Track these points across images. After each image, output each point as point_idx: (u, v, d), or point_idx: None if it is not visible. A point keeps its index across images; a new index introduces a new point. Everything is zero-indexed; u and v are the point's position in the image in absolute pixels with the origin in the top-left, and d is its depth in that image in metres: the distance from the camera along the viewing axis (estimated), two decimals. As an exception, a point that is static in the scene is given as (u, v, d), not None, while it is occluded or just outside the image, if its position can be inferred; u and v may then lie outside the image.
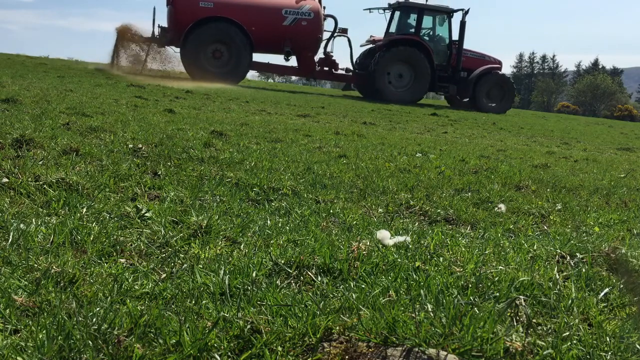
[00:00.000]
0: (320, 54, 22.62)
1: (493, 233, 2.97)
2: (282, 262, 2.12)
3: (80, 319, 1.51)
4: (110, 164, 3.67)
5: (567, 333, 1.69)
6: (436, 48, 22.64)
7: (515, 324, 1.75)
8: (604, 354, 1.61)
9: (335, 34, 22.50)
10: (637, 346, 1.66)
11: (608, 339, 1.68)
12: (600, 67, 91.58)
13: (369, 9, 23.71)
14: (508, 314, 1.79)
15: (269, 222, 2.72)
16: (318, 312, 1.67)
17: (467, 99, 23.55)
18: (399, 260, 2.24)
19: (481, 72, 22.97)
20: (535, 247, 2.63)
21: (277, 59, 23.41)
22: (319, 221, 2.86)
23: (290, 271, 2.07)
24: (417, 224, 3.10)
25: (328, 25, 22.27)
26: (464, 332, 1.58)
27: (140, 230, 2.39)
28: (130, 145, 4.40)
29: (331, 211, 3.11)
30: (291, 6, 21.29)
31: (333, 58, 22.82)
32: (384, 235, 2.51)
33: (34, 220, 2.33)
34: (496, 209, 3.65)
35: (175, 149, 4.51)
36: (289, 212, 3.01)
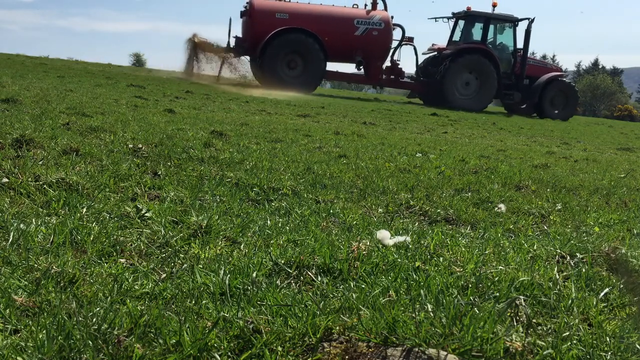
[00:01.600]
0: (386, 62, 23.23)
1: (493, 233, 2.97)
2: (282, 262, 2.12)
3: (80, 319, 1.51)
4: (110, 164, 3.67)
5: (567, 333, 1.69)
6: (501, 56, 23.11)
7: (515, 324, 1.75)
8: (604, 354, 1.61)
9: (402, 43, 23.07)
10: (637, 346, 1.66)
11: (608, 339, 1.68)
12: (600, 67, 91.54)
13: (435, 18, 24.41)
14: (508, 314, 1.79)
15: (269, 222, 2.72)
16: (318, 312, 1.67)
17: (524, 106, 24.09)
18: (399, 260, 2.24)
19: (547, 80, 23.48)
20: (535, 247, 2.63)
21: (337, 67, 24.08)
22: (319, 221, 2.86)
23: (290, 271, 2.07)
24: (417, 224, 3.10)
25: (395, 34, 22.86)
26: (464, 332, 1.58)
27: (140, 230, 2.39)
28: (130, 145, 4.40)
29: (331, 211, 3.11)
30: (362, 16, 21.95)
31: (400, 66, 23.41)
32: (384, 235, 2.51)
33: (34, 220, 2.33)
34: (496, 209, 3.65)
35: (175, 149, 4.51)
36: (289, 212, 3.01)
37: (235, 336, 1.54)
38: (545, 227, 3.31)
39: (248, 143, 5.54)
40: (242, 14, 22.36)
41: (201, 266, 2.05)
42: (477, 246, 2.59)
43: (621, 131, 19.60)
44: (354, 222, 2.93)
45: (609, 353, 1.62)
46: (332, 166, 4.60)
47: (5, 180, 2.88)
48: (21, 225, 2.23)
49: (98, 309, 1.58)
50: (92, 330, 1.46)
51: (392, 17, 22.43)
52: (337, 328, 1.60)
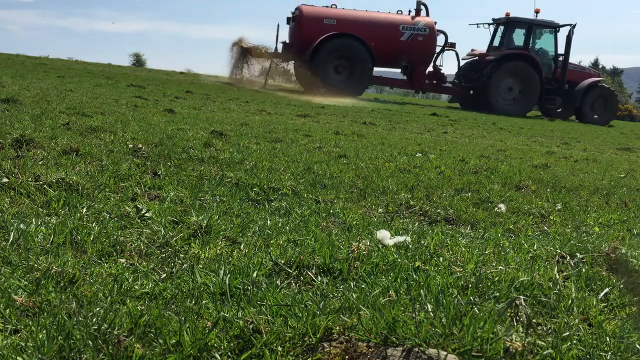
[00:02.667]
0: (429, 67, 23.55)
1: (493, 233, 2.97)
2: (282, 262, 2.12)
3: (80, 319, 1.51)
4: (110, 164, 3.67)
5: (567, 333, 1.69)
6: (542, 61, 23.40)
7: (515, 324, 1.75)
8: (604, 354, 1.61)
9: (445, 49, 23.41)
10: (637, 346, 1.66)
11: (608, 339, 1.68)
12: (600, 67, 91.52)
13: (477, 24, 24.76)
14: (508, 314, 1.79)
15: (269, 222, 2.72)
16: (318, 312, 1.67)
17: (560, 110, 24.42)
18: (399, 260, 2.24)
19: (588, 85, 23.79)
20: (535, 247, 2.63)
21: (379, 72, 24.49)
22: (319, 221, 2.86)
23: (290, 271, 2.07)
24: (417, 224, 3.10)
25: (438, 40, 23.21)
26: (464, 332, 1.58)
27: (140, 230, 2.39)
28: (130, 145, 4.40)
29: (331, 211, 3.11)
30: (408, 22, 22.35)
31: (442, 71, 23.75)
32: (384, 235, 2.51)
33: (34, 220, 2.33)
34: (496, 209, 3.65)
35: (175, 149, 4.51)
36: (289, 212, 3.01)
37: (235, 336, 1.54)
38: (545, 227, 3.31)
39: (248, 143, 5.54)
40: (290, 20, 22.84)
41: (201, 266, 2.05)
42: (477, 246, 2.59)
43: (621, 131, 19.60)
44: (354, 222, 2.93)
45: (609, 353, 1.62)
46: (332, 166, 4.60)
47: (5, 180, 2.88)
48: (21, 225, 2.23)
49: (98, 309, 1.58)
50: (92, 330, 1.46)
51: (435, 23, 22.86)
52: (337, 328, 1.60)
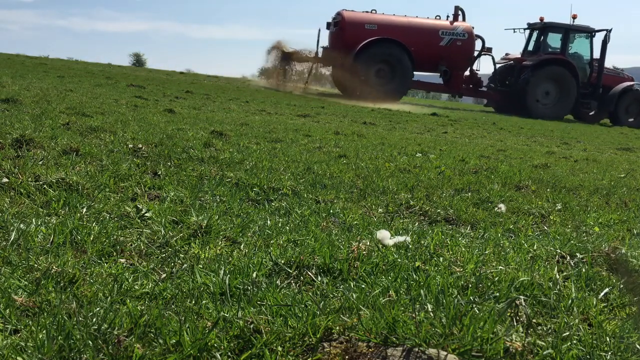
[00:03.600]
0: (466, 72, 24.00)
1: (493, 233, 2.97)
2: (282, 262, 2.11)
3: (80, 319, 1.51)
4: (110, 164, 3.67)
5: (567, 333, 1.69)
6: (577, 66, 23.65)
7: (515, 324, 1.75)
8: (604, 354, 1.61)
9: (482, 53, 23.72)
10: (637, 346, 1.66)
11: (608, 339, 1.68)
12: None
13: (513, 29, 25.11)
14: (508, 314, 1.79)
15: (269, 222, 2.72)
16: (318, 312, 1.67)
17: (593, 113, 24.71)
18: (399, 260, 2.24)
19: (623, 89, 24.16)
20: (535, 247, 2.63)
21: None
22: (319, 221, 2.86)
23: (290, 271, 2.07)
24: (417, 224, 3.10)
25: (476, 44, 23.54)
26: (464, 332, 1.58)
27: (140, 230, 2.39)
28: (130, 145, 4.40)
29: (331, 211, 3.11)
30: (447, 27, 22.70)
31: (479, 76, 24.09)
32: (384, 235, 2.51)
33: (34, 220, 2.33)
34: (496, 209, 3.65)
35: (175, 149, 4.51)
36: (289, 212, 3.01)
37: (235, 336, 1.54)
38: (545, 227, 3.31)
39: (248, 143, 5.54)
40: (330, 25, 23.26)
41: (201, 266, 2.05)
42: (477, 246, 2.59)
43: (621, 131, 19.60)
44: (354, 222, 2.93)
45: (609, 353, 1.62)
46: (332, 166, 4.60)
47: (5, 180, 2.88)
48: (21, 225, 2.23)
49: (98, 309, 1.58)
50: (92, 330, 1.46)
51: (473, 28, 23.18)
52: (337, 328, 1.60)
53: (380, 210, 3.35)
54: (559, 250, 2.58)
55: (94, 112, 6.69)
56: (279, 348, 1.51)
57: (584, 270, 2.31)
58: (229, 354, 1.49)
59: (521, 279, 2.08)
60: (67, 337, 1.43)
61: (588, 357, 1.59)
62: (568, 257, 2.52)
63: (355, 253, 2.26)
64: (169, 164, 3.97)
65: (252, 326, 1.57)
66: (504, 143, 9.58)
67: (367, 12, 22.89)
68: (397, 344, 1.55)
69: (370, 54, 21.45)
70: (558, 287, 2.09)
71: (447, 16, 23.38)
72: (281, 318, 1.65)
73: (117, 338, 1.45)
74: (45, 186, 2.88)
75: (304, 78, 23.10)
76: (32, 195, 2.77)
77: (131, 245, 2.22)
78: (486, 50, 23.75)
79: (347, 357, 1.52)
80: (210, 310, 1.67)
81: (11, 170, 3.06)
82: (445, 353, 1.51)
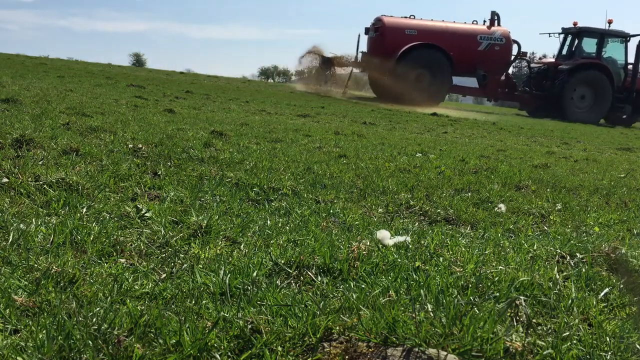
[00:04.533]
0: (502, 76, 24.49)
1: (493, 233, 2.97)
2: (282, 262, 2.11)
3: (80, 319, 1.51)
4: (110, 164, 3.67)
5: (567, 333, 1.69)
6: (612, 70, 23.93)
7: (515, 324, 1.75)
8: (604, 354, 1.61)
9: (518, 58, 24.17)
10: (637, 346, 1.66)
11: (608, 339, 1.68)
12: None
13: (549, 33, 25.48)
14: (508, 314, 1.79)
15: (269, 222, 2.72)
16: (318, 312, 1.67)
17: (625, 116, 25.15)
18: (399, 260, 2.24)
19: None
20: (535, 247, 2.63)
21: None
22: (319, 221, 2.86)
23: (290, 271, 2.07)
24: (417, 224, 3.10)
25: (512, 49, 24.00)
26: (464, 332, 1.58)
27: (140, 230, 2.39)
28: (130, 145, 4.40)
29: (331, 211, 3.11)
30: (485, 32, 23.14)
31: (514, 80, 24.65)
32: (384, 235, 2.51)
33: (34, 220, 2.33)
34: (496, 209, 3.65)
35: (175, 149, 4.51)
36: (289, 212, 3.01)
37: (235, 336, 1.54)
38: (545, 227, 3.31)
39: (248, 143, 5.54)
40: (368, 31, 23.69)
41: (201, 266, 2.05)
42: (477, 246, 2.59)
43: (621, 131, 19.61)
44: (354, 222, 2.93)
45: (609, 353, 1.62)
46: (332, 166, 4.60)
47: (5, 180, 2.88)
48: (21, 225, 2.23)
49: (98, 309, 1.58)
50: (92, 330, 1.46)
51: (510, 33, 23.50)
52: (337, 328, 1.60)
53: (380, 210, 3.35)
54: (559, 250, 2.58)
55: (94, 112, 6.69)
56: (279, 348, 1.51)
57: (584, 270, 2.31)
58: (229, 354, 1.49)
59: (521, 279, 2.08)
60: (67, 337, 1.43)
61: (588, 357, 1.59)
62: (568, 257, 2.52)
63: (355, 253, 2.26)
64: (169, 164, 3.97)
65: (252, 326, 1.57)
66: (504, 143, 9.58)
67: (405, 17, 23.33)
68: (397, 344, 1.55)
69: (411, 59, 21.84)
70: (558, 287, 2.09)
71: (484, 21, 23.80)
72: (281, 318, 1.65)
73: (117, 338, 1.45)
74: (45, 186, 2.88)
75: (342, 83, 23.52)
76: (32, 195, 2.77)
77: (131, 245, 2.22)
78: (521, 55, 24.13)
79: (347, 357, 1.52)
80: (210, 310, 1.67)
81: (11, 170, 3.05)
82: (445, 353, 1.51)
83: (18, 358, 1.36)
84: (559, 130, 15.45)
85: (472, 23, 23.71)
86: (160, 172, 3.63)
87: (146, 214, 2.60)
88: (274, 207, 3.12)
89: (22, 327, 1.50)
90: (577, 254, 2.54)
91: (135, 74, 23.19)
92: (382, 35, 22.50)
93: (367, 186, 3.95)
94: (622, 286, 2.17)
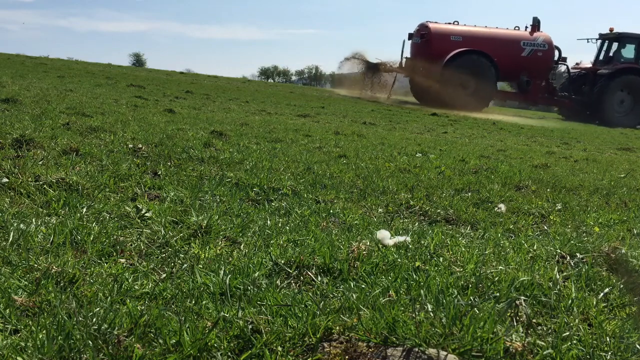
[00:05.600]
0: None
1: (493, 233, 2.97)
2: (282, 262, 2.11)
3: (80, 319, 1.51)
4: (110, 164, 3.67)
5: (567, 333, 1.69)
6: None
7: (515, 324, 1.75)
8: (604, 354, 1.61)
9: (558, 63, 24.47)
10: (637, 346, 1.66)
11: (608, 339, 1.68)
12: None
13: (587, 39, 25.88)
14: (508, 314, 1.79)
15: (269, 222, 2.72)
16: (318, 312, 1.67)
17: None
18: (399, 260, 2.24)
19: None
20: (535, 247, 2.63)
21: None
22: (319, 221, 2.86)
23: (290, 271, 2.07)
24: (417, 224, 3.10)
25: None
26: (464, 332, 1.58)
27: (140, 230, 2.39)
28: (130, 145, 4.40)
29: (331, 211, 3.11)
30: (528, 38, 23.50)
31: (554, 85, 24.74)
32: (384, 235, 2.51)
33: (34, 220, 2.33)
34: (496, 209, 3.65)
35: (175, 149, 4.51)
36: (289, 212, 3.01)
37: (235, 336, 1.54)
38: (545, 227, 3.31)
39: (248, 143, 5.54)
40: (412, 36, 24.10)
41: (201, 266, 2.05)
42: (477, 246, 2.59)
43: (621, 131, 19.60)
44: (354, 222, 2.93)
45: (609, 353, 1.62)
46: (332, 166, 4.60)
47: (5, 180, 2.88)
48: (21, 225, 2.23)
49: (98, 309, 1.58)
50: (92, 330, 1.46)
51: (551, 38, 23.85)
52: (337, 328, 1.60)
53: (380, 210, 3.35)
54: (559, 250, 2.58)
55: (94, 112, 6.69)
56: (279, 348, 1.51)
57: (584, 270, 2.31)
58: (229, 354, 1.49)
59: (521, 279, 2.07)
60: (67, 337, 1.43)
61: (588, 357, 1.59)
62: (568, 257, 2.52)
63: (355, 253, 2.26)
64: (169, 164, 3.97)
65: (252, 326, 1.57)
66: (504, 143, 9.58)
67: (449, 23, 23.67)
68: (397, 344, 1.55)
69: (458, 65, 22.18)
70: (558, 287, 2.09)
71: (526, 27, 24.15)
72: (281, 318, 1.65)
73: (117, 338, 1.45)
74: (45, 186, 2.88)
75: (387, 88, 24.00)
76: (32, 195, 2.77)
77: (131, 245, 2.22)
78: (562, 60, 24.42)
79: (347, 357, 1.52)
80: (210, 310, 1.67)
81: (11, 170, 3.05)
82: (445, 353, 1.51)
83: (18, 358, 1.36)
84: (559, 131, 15.45)
85: (515, 29, 24.13)
86: (160, 172, 3.63)
87: (146, 214, 2.60)
88: (274, 207, 3.12)
89: (22, 327, 1.50)
90: (577, 254, 2.54)
91: (135, 74, 23.19)
92: (428, 42, 22.94)
93: (367, 186, 3.95)
94: (622, 286, 2.17)
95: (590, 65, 25.19)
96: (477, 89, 22.43)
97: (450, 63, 22.22)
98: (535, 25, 23.91)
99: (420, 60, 23.06)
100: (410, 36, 24.27)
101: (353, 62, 23.99)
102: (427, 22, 23.57)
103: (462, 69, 22.12)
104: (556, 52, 24.00)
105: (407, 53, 24.52)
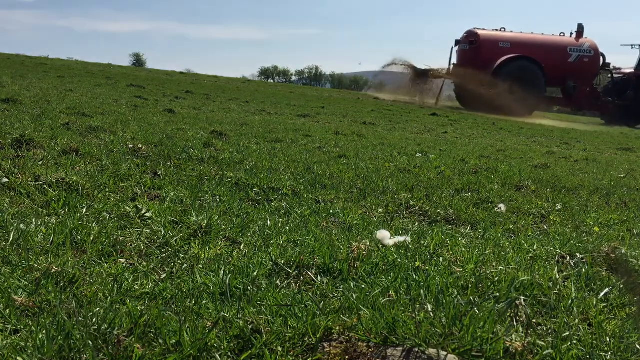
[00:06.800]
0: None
1: (493, 233, 2.97)
2: (282, 262, 2.11)
3: (80, 319, 1.51)
4: (110, 164, 3.67)
5: (567, 333, 1.69)
6: None
7: (515, 324, 1.75)
8: (604, 354, 1.61)
9: (603, 69, 25.11)
10: (637, 346, 1.66)
11: (608, 339, 1.68)
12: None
13: (631, 45, 26.71)
14: (508, 314, 1.79)
15: (269, 222, 2.72)
16: (318, 312, 1.67)
17: None
18: (399, 260, 2.24)
19: None
20: (535, 247, 2.63)
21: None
22: (319, 221, 2.86)
23: (290, 271, 2.07)
24: (417, 224, 3.10)
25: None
26: (464, 332, 1.58)
27: (140, 230, 2.39)
28: (130, 145, 4.40)
29: (331, 211, 3.11)
30: (574, 44, 24.08)
31: (598, 90, 25.33)
32: (384, 235, 2.51)
33: (34, 220, 2.33)
34: (496, 209, 3.65)
35: (175, 149, 4.51)
36: (289, 212, 3.01)
37: (235, 336, 1.54)
38: (545, 227, 3.31)
39: (248, 143, 5.54)
40: (459, 43, 24.66)
41: (201, 266, 2.05)
42: (477, 246, 2.59)
43: (621, 131, 19.60)
44: (354, 222, 2.92)
45: (609, 353, 1.62)
46: (332, 166, 4.60)
47: (5, 180, 2.88)
48: (21, 225, 2.23)
49: (98, 309, 1.58)
50: (92, 330, 1.46)
51: (597, 44, 24.30)
52: (337, 328, 1.60)
53: (380, 210, 3.35)
54: (559, 250, 2.58)
55: (94, 112, 6.69)
56: (279, 348, 1.51)
57: (584, 270, 2.31)
58: (229, 354, 1.49)
59: (521, 279, 2.07)
60: (67, 337, 1.43)
61: (588, 357, 1.59)
62: (568, 257, 2.52)
63: (355, 253, 2.26)
64: (169, 164, 3.97)
65: (252, 326, 1.57)
66: (504, 143, 9.58)
67: (496, 30, 24.12)
68: (397, 344, 1.55)
69: (507, 71, 22.61)
70: (558, 287, 2.09)
71: (571, 33, 24.58)
72: (281, 318, 1.65)
73: (117, 338, 1.45)
74: (45, 186, 2.88)
75: (434, 93, 24.48)
76: (32, 195, 2.77)
77: (131, 245, 2.22)
78: (606, 66, 24.93)
79: (347, 357, 1.52)
80: (210, 310, 1.67)
81: (11, 170, 3.05)
82: (445, 353, 1.51)
83: (18, 358, 1.36)
84: (559, 131, 15.45)
85: (560, 35, 24.52)
86: (160, 172, 3.63)
87: (146, 214, 2.60)
88: (274, 207, 3.12)
89: (22, 327, 1.50)
90: (577, 254, 2.54)
91: (135, 74, 23.19)
92: (477, 48, 23.41)
93: (367, 186, 3.95)
94: (622, 286, 2.17)
95: (632, 70, 25.66)
96: (525, 95, 22.78)
97: (500, 69, 22.69)
98: (580, 31, 24.36)
99: (468, 67, 23.50)
100: (457, 43, 24.78)
101: (396, 67, 24.69)
102: (475, 28, 24.05)
103: (511, 75, 22.53)
104: (600, 58, 24.41)
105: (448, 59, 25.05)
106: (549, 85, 24.48)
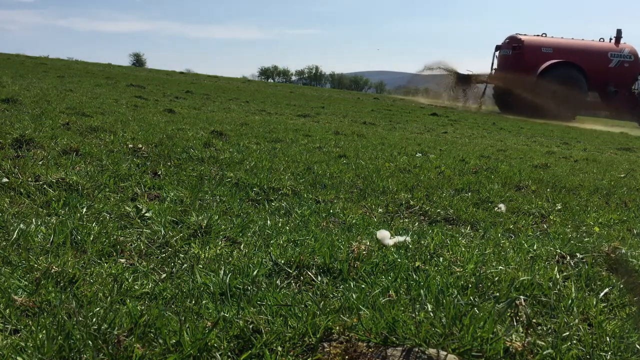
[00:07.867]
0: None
1: (493, 233, 2.97)
2: (282, 262, 2.11)
3: (80, 319, 1.51)
4: (110, 164, 3.67)
5: (567, 333, 1.69)
6: None
7: (515, 324, 1.75)
8: (604, 354, 1.61)
9: None
10: (637, 346, 1.66)
11: (608, 339, 1.68)
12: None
13: None
14: (508, 314, 1.79)
15: (269, 222, 2.72)
16: (318, 312, 1.67)
17: None
18: (399, 260, 2.24)
19: None
20: (535, 247, 2.63)
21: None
22: (319, 221, 2.86)
23: (290, 271, 2.07)
24: (417, 224, 3.10)
25: None
26: (464, 332, 1.58)
27: (140, 230, 2.39)
28: (130, 145, 4.39)
29: (331, 211, 3.10)
30: (614, 49, 24.66)
31: (636, 94, 25.70)
32: (384, 235, 2.50)
33: (34, 220, 2.33)
34: (496, 209, 3.64)
35: (175, 149, 4.51)
36: (289, 212, 3.01)
37: (235, 336, 1.54)
38: (545, 227, 3.31)
39: (248, 143, 5.54)
40: (500, 48, 25.07)
41: (201, 266, 2.05)
42: (477, 246, 2.59)
43: (621, 131, 19.60)
44: (354, 222, 2.92)
45: (609, 353, 1.62)
46: (332, 166, 4.60)
47: (5, 180, 2.88)
48: (21, 225, 2.23)
49: (98, 308, 1.58)
50: (92, 330, 1.46)
51: (637, 50, 24.82)
52: (337, 328, 1.60)
53: (380, 210, 3.35)
54: (559, 250, 2.58)
55: (94, 112, 6.69)
56: (279, 348, 1.51)
57: (584, 270, 2.31)
58: (229, 354, 1.48)
59: (521, 279, 2.07)
60: (67, 337, 1.43)
61: (588, 357, 1.59)
62: (568, 257, 2.52)
63: (355, 253, 2.26)
64: (169, 164, 3.97)
65: (252, 326, 1.57)
66: (504, 143, 9.58)
67: (538, 35, 24.54)
68: (397, 344, 1.55)
69: (551, 76, 22.99)
70: (558, 287, 2.09)
71: (610, 38, 25.00)
72: (281, 318, 1.65)
73: (117, 338, 1.45)
74: (45, 186, 2.88)
75: (476, 98, 24.99)
76: (32, 195, 2.77)
77: (131, 245, 2.21)
78: None
79: (347, 357, 1.52)
80: (210, 310, 1.67)
81: (11, 170, 3.05)
82: (445, 353, 1.51)
83: (18, 358, 1.36)
84: (559, 131, 15.44)
85: (600, 40, 24.88)
86: (160, 172, 3.63)
87: (146, 214, 2.60)
88: (274, 207, 3.12)
89: (22, 327, 1.50)
90: (577, 254, 2.54)
91: (135, 74, 23.19)
92: (520, 53, 23.78)
93: (367, 186, 3.95)
94: (622, 286, 2.17)
95: None
96: (568, 100, 23.13)
97: (544, 74, 23.01)
98: (619, 37, 24.80)
99: (510, 71, 23.80)
100: (497, 48, 25.16)
101: (436, 71, 25.20)
102: (517, 34, 24.40)
103: (554, 80, 22.85)
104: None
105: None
106: (590, 90, 24.80)
